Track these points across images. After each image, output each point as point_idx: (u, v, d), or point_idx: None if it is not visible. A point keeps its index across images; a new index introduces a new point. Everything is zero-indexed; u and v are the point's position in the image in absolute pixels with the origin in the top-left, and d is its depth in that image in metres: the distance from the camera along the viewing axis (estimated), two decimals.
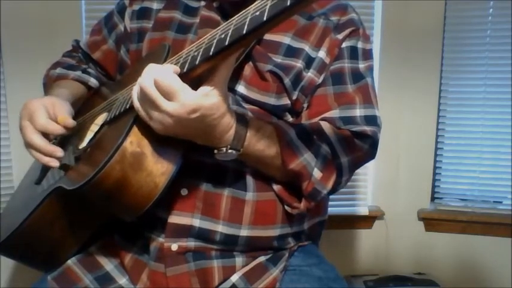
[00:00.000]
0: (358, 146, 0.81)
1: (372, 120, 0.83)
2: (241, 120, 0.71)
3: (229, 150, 0.70)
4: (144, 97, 0.63)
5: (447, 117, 1.73)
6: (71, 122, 0.80)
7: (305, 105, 0.85)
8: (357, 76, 0.86)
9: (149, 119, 0.65)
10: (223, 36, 0.58)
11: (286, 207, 0.81)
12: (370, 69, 0.88)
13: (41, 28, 1.49)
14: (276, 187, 0.80)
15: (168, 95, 0.61)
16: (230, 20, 0.59)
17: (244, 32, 0.54)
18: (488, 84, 1.68)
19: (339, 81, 0.85)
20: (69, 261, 0.84)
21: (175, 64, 0.68)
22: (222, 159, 0.71)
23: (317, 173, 0.77)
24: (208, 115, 0.64)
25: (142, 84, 0.62)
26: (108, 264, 0.83)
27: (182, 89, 0.61)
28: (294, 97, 0.82)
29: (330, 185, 0.80)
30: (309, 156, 0.77)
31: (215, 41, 0.60)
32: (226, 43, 0.56)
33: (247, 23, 0.55)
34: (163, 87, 0.61)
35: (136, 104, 0.65)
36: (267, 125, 0.76)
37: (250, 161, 0.76)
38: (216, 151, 0.71)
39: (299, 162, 0.76)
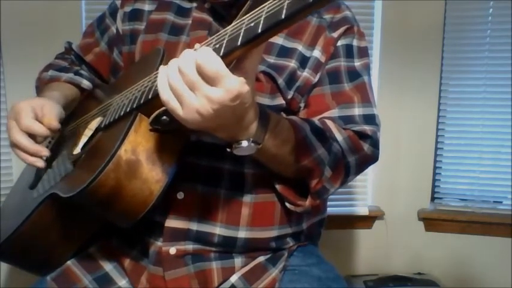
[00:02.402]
0: (360, 146, 0.81)
1: (370, 119, 0.83)
2: (263, 112, 0.68)
3: (251, 144, 0.65)
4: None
5: (447, 117, 1.73)
6: (55, 125, 0.80)
7: (302, 104, 0.84)
8: (354, 74, 0.85)
9: (181, 111, 0.57)
10: (217, 46, 0.57)
11: (288, 205, 0.79)
12: (367, 67, 0.88)
13: (41, 28, 1.49)
14: (278, 186, 0.79)
15: (213, 81, 0.54)
16: (225, 30, 0.58)
17: (239, 43, 0.54)
18: (488, 84, 1.68)
19: (336, 80, 0.84)
20: (69, 262, 0.83)
21: None
22: (240, 154, 0.66)
23: (328, 171, 0.76)
24: (244, 103, 0.58)
25: (183, 70, 0.55)
26: (107, 265, 0.83)
27: (228, 75, 0.54)
28: (289, 97, 0.82)
29: (338, 184, 0.79)
30: (322, 153, 0.75)
31: None
32: (221, 54, 0.56)
33: (241, 34, 0.54)
34: (209, 72, 0.53)
35: (165, 94, 0.57)
36: (284, 119, 0.74)
37: (264, 157, 0.73)
38: (235, 145, 0.65)
39: (313, 159, 0.74)
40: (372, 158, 0.84)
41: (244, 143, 0.65)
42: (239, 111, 0.60)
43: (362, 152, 0.81)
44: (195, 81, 0.54)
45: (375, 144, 0.83)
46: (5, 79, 1.50)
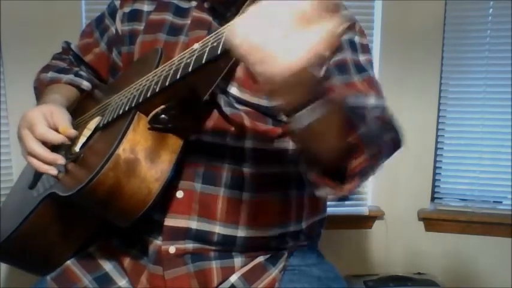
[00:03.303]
0: (392, 126, 0.76)
1: (378, 111, 0.80)
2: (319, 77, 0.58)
3: (316, 108, 0.55)
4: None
5: (447, 117, 1.73)
6: (72, 132, 0.80)
7: None
8: (360, 68, 0.83)
9: (272, 62, 0.46)
10: (215, 44, 0.57)
11: (322, 192, 0.72)
12: (370, 62, 0.86)
13: (41, 28, 1.49)
14: (312, 174, 0.70)
15: (307, 22, 0.46)
16: (223, 28, 0.58)
17: None
18: (488, 84, 1.68)
19: (344, 71, 0.81)
20: (69, 262, 0.84)
21: (167, 70, 0.68)
22: (301, 125, 0.57)
23: (369, 151, 0.69)
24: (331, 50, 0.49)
25: (276, 14, 0.46)
26: (107, 265, 0.83)
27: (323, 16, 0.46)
28: None
29: (377, 165, 0.73)
30: (365, 129, 0.68)
31: (207, 49, 0.60)
32: (219, 52, 0.56)
33: None
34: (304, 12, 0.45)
35: (242, 36, 0.47)
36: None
37: (318, 129, 0.60)
38: (306, 109, 0.56)
39: (357, 135, 0.66)
40: (400, 142, 0.78)
41: (312, 106, 0.56)
42: (320, 62, 0.50)
43: (397, 134, 0.76)
44: (291, 22, 0.46)
45: (398, 130, 0.77)
46: (5, 79, 1.50)
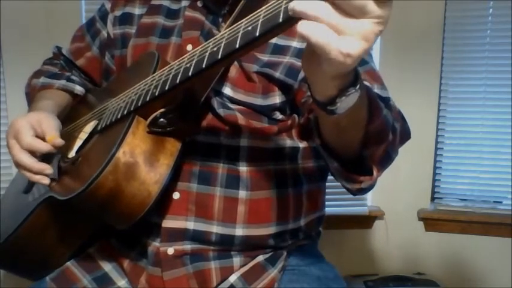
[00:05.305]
0: (400, 115, 0.76)
1: (387, 101, 0.78)
2: None
3: (358, 89, 0.54)
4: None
5: (447, 117, 1.73)
6: (59, 142, 0.79)
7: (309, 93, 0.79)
8: (361, 60, 0.81)
9: (349, 46, 0.46)
10: (215, 49, 0.57)
11: (349, 185, 0.72)
12: (370, 55, 0.86)
13: (41, 28, 1.49)
14: (337, 165, 0.70)
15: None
16: (222, 33, 0.59)
17: (237, 46, 0.54)
18: (488, 84, 1.68)
19: None
20: (68, 262, 0.84)
21: (166, 74, 0.68)
22: (345, 108, 0.55)
23: (390, 135, 0.70)
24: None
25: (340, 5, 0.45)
26: (106, 265, 0.83)
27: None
28: (296, 87, 0.79)
29: (397, 149, 0.73)
30: (388, 114, 0.68)
31: (207, 54, 0.60)
32: (219, 56, 0.56)
33: (239, 37, 0.54)
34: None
35: (323, 37, 0.45)
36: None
37: (352, 113, 0.58)
38: (350, 89, 0.54)
39: (381, 119, 0.66)
40: (409, 133, 0.78)
41: (357, 87, 0.54)
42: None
43: (405, 124, 0.76)
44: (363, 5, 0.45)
45: (405, 120, 0.77)
46: (5, 79, 1.51)
